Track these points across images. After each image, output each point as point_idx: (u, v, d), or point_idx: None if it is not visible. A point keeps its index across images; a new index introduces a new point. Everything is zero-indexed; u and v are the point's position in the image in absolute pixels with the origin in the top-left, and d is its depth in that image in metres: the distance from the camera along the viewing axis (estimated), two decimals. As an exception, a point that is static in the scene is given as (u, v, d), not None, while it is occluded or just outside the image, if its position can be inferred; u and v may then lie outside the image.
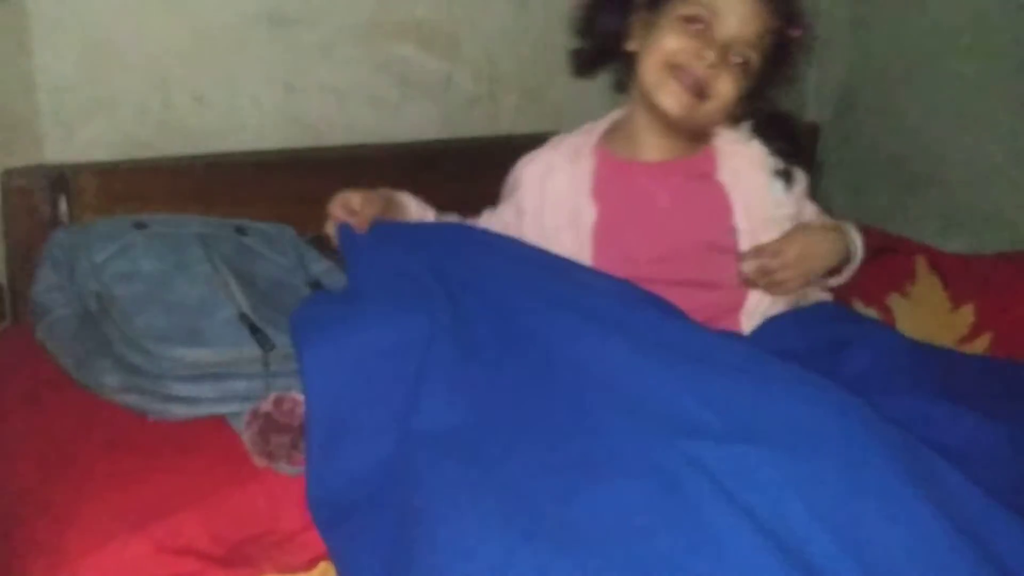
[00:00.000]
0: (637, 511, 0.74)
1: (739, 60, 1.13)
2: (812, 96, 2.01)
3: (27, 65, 1.28)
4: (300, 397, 0.96)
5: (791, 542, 0.70)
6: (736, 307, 1.17)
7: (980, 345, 1.31)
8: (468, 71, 1.60)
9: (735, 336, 1.12)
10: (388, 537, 0.81)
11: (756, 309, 1.17)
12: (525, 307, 0.97)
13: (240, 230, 1.26)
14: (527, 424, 0.87)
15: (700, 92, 1.12)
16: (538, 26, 1.63)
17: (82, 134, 1.34)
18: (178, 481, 0.92)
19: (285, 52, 1.44)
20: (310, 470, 0.90)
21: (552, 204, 1.20)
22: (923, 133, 1.82)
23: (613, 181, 1.20)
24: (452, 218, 1.27)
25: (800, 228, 1.18)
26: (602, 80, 1.25)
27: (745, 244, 1.16)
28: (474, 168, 1.35)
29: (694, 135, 1.20)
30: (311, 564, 0.91)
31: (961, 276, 1.40)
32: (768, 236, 1.16)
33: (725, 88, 1.13)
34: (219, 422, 1.01)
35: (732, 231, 1.17)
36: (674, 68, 1.13)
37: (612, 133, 1.24)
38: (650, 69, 1.15)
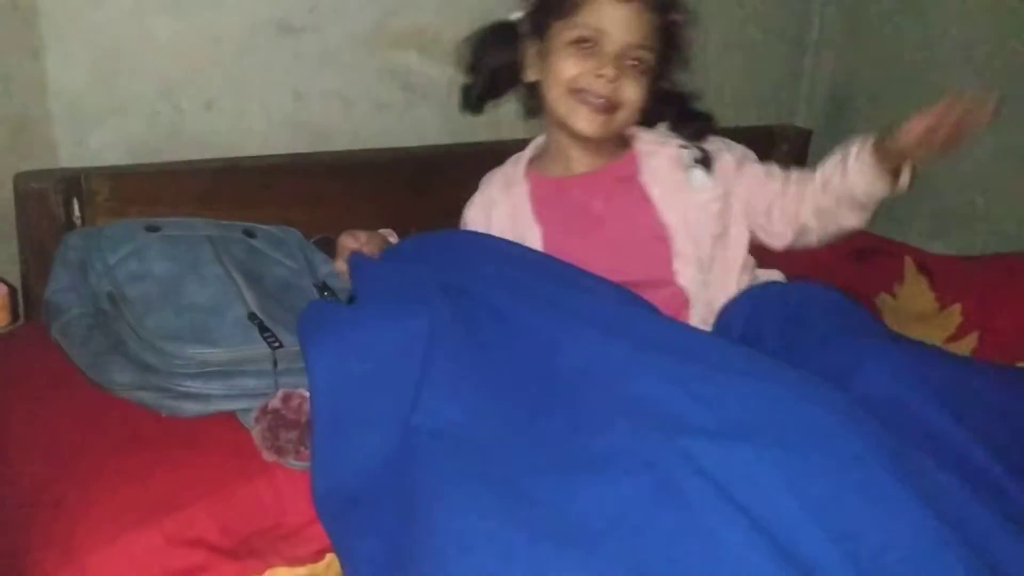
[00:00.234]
0: (633, 508, 0.75)
1: (635, 63, 1.17)
2: (804, 101, 2.01)
3: (40, 71, 1.28)
4: (307, 394, 0.97)
5: (784, 538, 0.72)
6: (685, 303, 1.19)
7: (967, 345, 1.31)
8: (470, 77, 1.61)
9: (727, 337, 1.12)
10: (390, 529, 0.82)
11: (699, 299, 1.18)
12: (525, 308, 0.98)
13: (249, 233, 1.27)
14: (526, 421, 0.87)
15: (609, 108, 1.17)
16: (539, 33, 1.64)
17: (94, 139, 1.34)
18: (188, 476, 0.93)
19: (292, 59, 1.45)
20: (314, 463, 0.90)
21: (499, 234, 1.23)
22: (911, 137, 1.83)
23: (549, 199, 1.25)
24: None
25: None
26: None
27: (678, 239, 1.19)
28: (477, 173, 1.36)
29: (615, 142, 1.24)
30: (318, 556, 0.92)
31: (949, 277, 1.41)
32: (700, 226, 1.19)
33: (630, 94, 1.17)
34: (229, 418, 1.02)
35: (663, 227, 1.19)
36: (578, 92, 1.17)
37: (540, 156, 1.29)
38: (557, 99, 1.19)
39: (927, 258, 1.48)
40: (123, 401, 1.04)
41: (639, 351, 0.90)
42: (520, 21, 1.25)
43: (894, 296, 1.44)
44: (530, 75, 1.24)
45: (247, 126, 1.45)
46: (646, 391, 0.86)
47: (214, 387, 1.02)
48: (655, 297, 1.13)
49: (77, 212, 1.28)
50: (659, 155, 1.23)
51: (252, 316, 1.09)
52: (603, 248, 1.19)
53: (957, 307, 1.34)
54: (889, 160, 1.08)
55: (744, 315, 1.12)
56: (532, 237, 1.23)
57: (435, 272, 1.05)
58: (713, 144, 1.25)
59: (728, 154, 1.23)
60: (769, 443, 0.78)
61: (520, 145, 1.34)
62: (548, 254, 1.19)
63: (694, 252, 1.19)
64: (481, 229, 1.28)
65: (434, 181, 1.49)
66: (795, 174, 1.21)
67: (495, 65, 1.27)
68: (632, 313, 1.01)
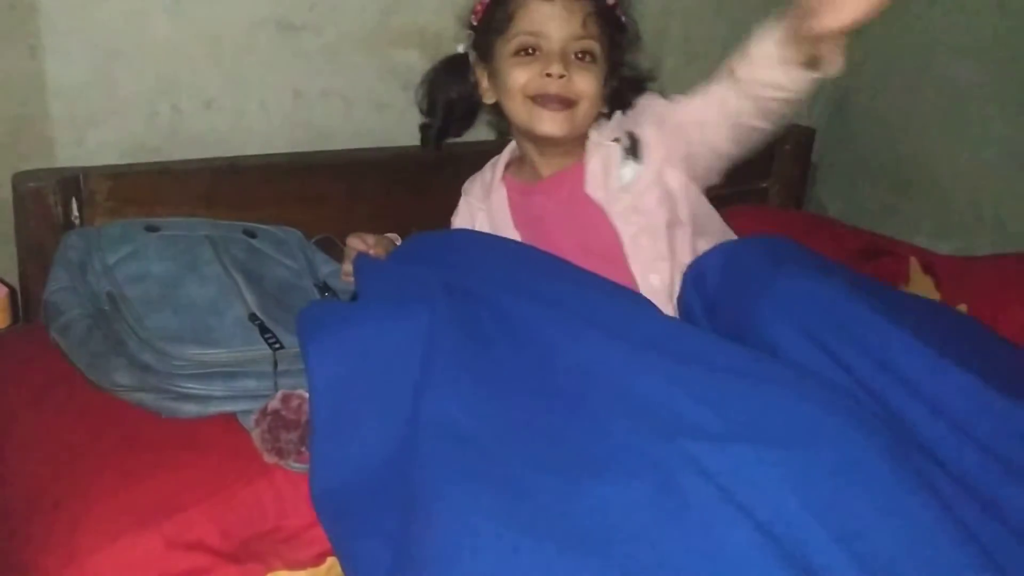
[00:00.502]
0: (636, 509, 0.75)
1: (581, 56, 1.17)
2: (807, 101, 2.03)
3: (38, 70, 1.28)
4: (307, 395, 0.96)
5: (787, 538, 0.71)
6: (665, 300, 1.16)
7: (972, 345, 1.31)
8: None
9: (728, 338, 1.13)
10: (391, 530, 0.81)
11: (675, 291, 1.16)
12: (526, 307, 0.98)
13: (249, 233, 1.27)
14: (528, 421, 0.87)
15: (567, 103, 1.17)
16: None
17: (93, 138, 1.34)
18: (188, 478, 0.93)
19: (292, 58, 1.45)
20: (313, 462, 0.90)
21: None
22: (916, 137, 1.83)
23: (522, 205, 1.26)
24: None
25: None
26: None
27: (627, 238, 1.17)
28: (477, 172, 1.37)
29: (577, 143, 1.23)
30: (319, 559, 0.92)
31: (954, 277, 1.41)
32: (649, 217, 1.17)
33: (584, 86, 1.17)
34: (229, 420, 1.01)
35: (612, 229, 1.18)
36: (534, 98, 1.18)
37: (516, 161, 1.30)
38: (516, 110, 1.20)
39: (932, 259, 1.47)
40: (123, 402, 1.04)
41: (640, 351, 0.90)
42: (467, 50, 1.28)
43: (900, 297, 1.43)
44: (488, 97, 1.26)
45: (247, 125, 1.45)
46: (647, 392, 0.85)
47: (214, 388, 1.02)
48: None
49: (76, 212, 1.28)
50: (596, 157, 1.22)
51: (253, 317, 1.09)
52: (569, 255, 1.17)
53: (963, 307, 1.33)
54: (805, 46, 1.03)
55: (718, 267, 1.09)
56: None
57: (436, 272, 1.05)
58: (642, 115, 1.22)
59: (649, 126, 1.20)
60: (771, 444, 0.78)
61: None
62: (548, 253, 1.18)
63: (651, 248, 1.17)
64: None
65: (434, 181, 1.49)
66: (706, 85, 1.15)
67: (451, 97, 1.30)
68: (633, 312, 1.00)
